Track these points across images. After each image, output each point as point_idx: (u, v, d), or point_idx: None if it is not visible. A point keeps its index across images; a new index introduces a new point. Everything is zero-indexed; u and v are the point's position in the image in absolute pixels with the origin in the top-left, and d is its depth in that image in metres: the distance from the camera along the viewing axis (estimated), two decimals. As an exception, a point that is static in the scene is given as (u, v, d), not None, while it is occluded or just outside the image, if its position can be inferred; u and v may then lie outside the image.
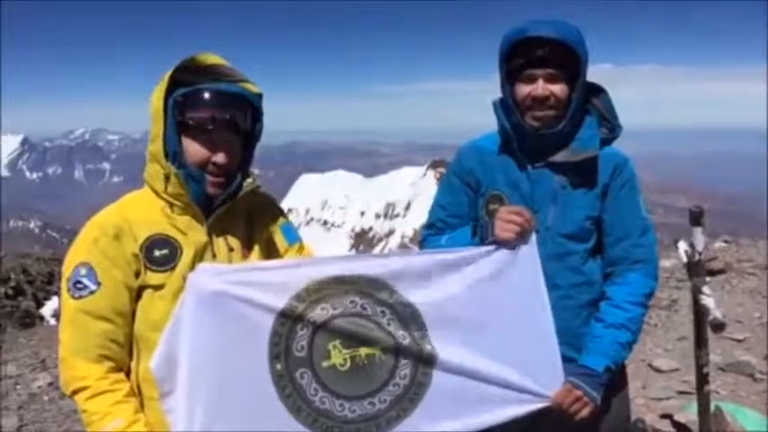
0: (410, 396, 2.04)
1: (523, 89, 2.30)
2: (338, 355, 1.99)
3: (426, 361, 2.05)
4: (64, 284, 1.99)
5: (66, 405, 6.90)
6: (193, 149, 1.98)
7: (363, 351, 2.01)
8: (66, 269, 2.00)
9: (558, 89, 2.26)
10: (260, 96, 2.08)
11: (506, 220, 2.16)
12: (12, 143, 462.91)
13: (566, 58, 2.24)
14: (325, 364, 1.98)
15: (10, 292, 14.67)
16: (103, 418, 1.90)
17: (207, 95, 1.96)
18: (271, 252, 2.24)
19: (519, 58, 2.28)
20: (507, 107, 2.37)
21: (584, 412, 2.22)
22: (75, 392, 1.96)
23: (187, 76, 1.99)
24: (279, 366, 1.94)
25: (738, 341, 6.89)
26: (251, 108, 2.04)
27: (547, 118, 2.29)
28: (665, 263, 10.13)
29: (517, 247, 2.17)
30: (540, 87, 2.26)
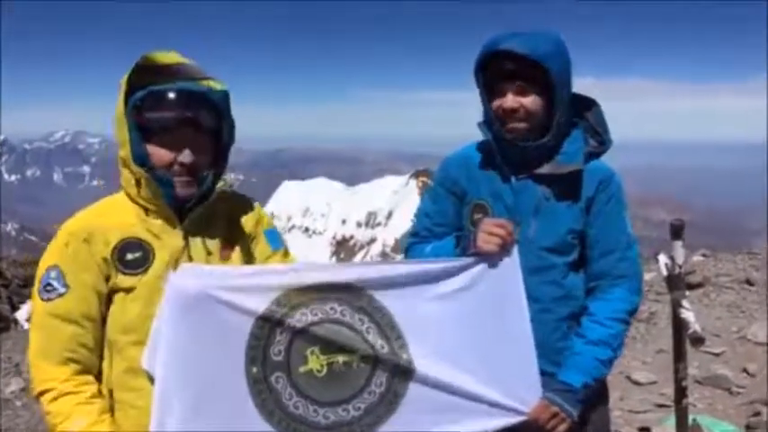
0: (385, 404, 2.03)
1: (496, 102, 2.31)
2: (315, 361, 1.99)
3: (403, 371, 2.04)
4: (35, 286, 1.99)
5: (40, 410, 6.81)
6: (158, 152, 1.95)
7: (341, 358, 2.01)
8: (38, 272, 2.00)
9: (529, 101, 2.26)
10: (225, 93, 2.04)
11: (489, 232, 2.15)
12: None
13: (535, 72, 2.23)
14: (302, 369, 1.98)
15: (-16, 295, 14.44)
16: (66, 419, 1.90)
17: (165, 95, 1.92)
18: (252, 257, 2.21)
19: (490, 71, 2.30)
20: (489, 119, 2.37)
21: (561, 428, 2.22)
22: (40, 394, 1.95)
23: (145, 78, 1.95)
24: (255, 370, 1.94)
25: (716, 355, 6.94)
26: (214, 106, 2.00)
27: (518, 130, 2.29)
28: (645, 276, 10.19)
29: (499, 259, 2.17)
30: (510, 100, 2.26)
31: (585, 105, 2.43)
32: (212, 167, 2.05)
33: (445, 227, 2.51)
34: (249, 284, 1.96)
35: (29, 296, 16.57)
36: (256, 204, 2.31)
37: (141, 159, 1.95)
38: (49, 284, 1.95)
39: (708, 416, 5.04)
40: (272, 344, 1.96)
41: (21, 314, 15.51)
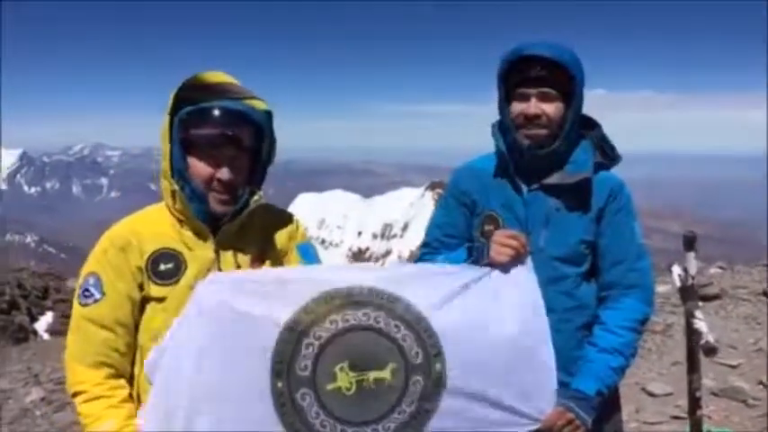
0: (415, 423, 1.98)
1: (517, 107, 2.34)
2: (344, 378, 1.92)
3: (434, 383, 1.99)
4: (76, 291, 2.07)
5: (59, 419, 6.87)
6: (198, 167, 2.01)
7: (372, 375, 1.94)
8: (80, 278, 2.08)
9: (551, 108, 2.30)
10: (268, 114, 2.10)
11: (501, 243, 2.18)
12: (10, 157, 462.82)
13: (560, 78, 2.28)
14: (329, 386, 1.91)
15: (4, 306, 14.63)
16: (96, 421, 1.97)
17: (210, 113, 1.98)
18: None
19: (514, 76, 2.33)
20: (504, 127, 2.40)
21: None
22: (74, 395, 2.03)
23: (193, 95, 2.01)
24: (280, 384, 1.89)
25: (732, 367, 6.90)
26: (256, 125, 2.06)
27: (538, 137, 2.32)
28: (661, 288, 10.14)
29: (512, 270, 2.19)
30: (533, 106, 2.29)
31: (590, 125, 2.47)
32: (249, 184, 2.09)
33: (456, 238, 2.54)
34: (276, 290, 1.94)
35: (48, 307, 16.78)
36: (294, 218, 2.33)
37: (180, 173, 2.01)
38: (87, 290, 2.03)
39: (723, 428, 5.02)
40: (299, 357, 1.89)
41: (40, 325, 15.70)
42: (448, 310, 2.05)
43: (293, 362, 1.89)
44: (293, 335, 1.89)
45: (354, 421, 1.92)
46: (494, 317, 2.12)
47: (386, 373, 1.94)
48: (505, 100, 2.39)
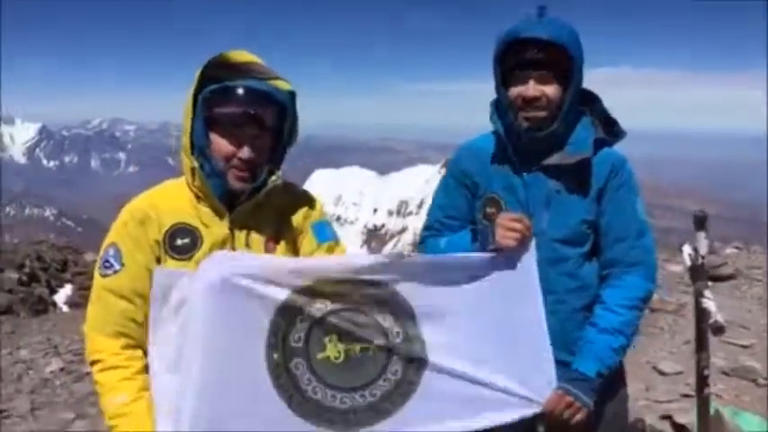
0: (400, 392, 2.08)
1: (515, 89, 2.30)
2: (333, 349, 2.04)
3: (417, 360, 2.10)
4: (97, 263, 2.13)
5: (78, 390, 7.02)
6: (220, 144, 2.04)
7: (358, 346, 2.07)
8: (102, 248, 2.13)
9: (550, 90, 2.27)
10: (292, 94, 2.12)
11: (507, 227, 2.18)
12: (30, 131, 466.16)
13: (558, 59, 2.24)
14: (320, 355, 2.03)
15: (24, 278, 14.82)
16: (111, 391, 2.03)
17: (234, 92, 2.01)
18: (298, 251, 2.26)
19: (511, 58, 2.29)
20: (502, 108, 2.38)
21: (578, 417, 2.24)
22: (92, 363, 2.09)
23: (218, 73, 2.04)
24: (275, 356, 1.99)
25: (744, 347, 6.90)
26: (279, 106, 2.08)
27: (537, 119, 2.29)
28: (674, 268, 10.12)
29: (517, 254, 2.21)
30: (531, 88, 2.26)
31: (589, 99, 2.44)
32: (269, 164, 2.12)
33: (458, 220, 2.53)
34: (274, 273, 2.00)
35: (67, 280, 17.00)
36: (312, 198, 2.35)
37: (200, 150, 2.05)
38: (107, 261, 2.09)
39: (733, 407, 5.03)
40: (292, 331, 2.01)
41: (59, 297, 15.91)
42: (437, 291, 2.13)
43: (288, 335, 2.01)
44: (289, 312, 2.00)
45: (343, 387, 2.06)
46: (488, 297, 2.17)
47: (371, 346, 2.08)
48: (502, 82, 2.35)
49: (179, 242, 2.09)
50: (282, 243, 2.22)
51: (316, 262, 2.17)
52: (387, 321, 2.08)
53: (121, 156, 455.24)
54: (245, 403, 1.96)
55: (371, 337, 2.07)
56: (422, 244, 2.63)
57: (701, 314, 3.81)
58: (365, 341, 2.06)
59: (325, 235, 2.30)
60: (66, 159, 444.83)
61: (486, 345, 2.15)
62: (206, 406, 1.91)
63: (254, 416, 1.96)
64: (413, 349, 2.09)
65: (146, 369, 2.06)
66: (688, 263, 3.92)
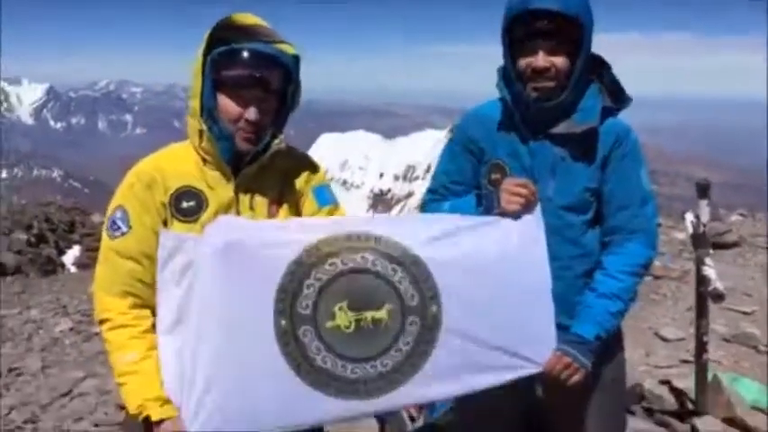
0: (412, 362, 2.06)
1: (524, 60, 2.29)
2: (344, 318, 2.00)
3: (431, 325, 2.06)
4: (104, 224, 2.15)
5: (87, 349, 7.15)
6: (227, 105, 2.05)
7: (369, 315, 2.01)
8: (108, 211, 2.16)
9: (560, 61, 2.26)
10: (296, 58, 2.14)
11: (511, 192, 2.20)
12: (37, 92, 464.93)
13: (568, 29, 2.23)
14: (329, 324, 1.99)
15: (32, 239, 14.96)
16: (119, 349, 2.06)
17: (241, 55, 2.03)
18: (299, 214, 2.28)
19: (520, 29, 2.28)
20: (509, 77, 2.37)
21: (575, 379, 2.27)
22: (101, 323, 2.12)
23: (226, 35, 2.06)
24: (283, 322, 1.96)
25: (746, 314, 6.95)
26: (285, 69, 2.10)
27: (546, 89, 2.28)
28: (679, 235, 10.14)
29: (522, 218, 2.22)
30: (541, 59, 2.25)
31: (598, 66, 2.43)
32: (272, 127, 2.14)
33: (462, 185, 2.54)
34: (279, 235, 2.01)
35: (75, 241, 17.15)
36: (314, 162, 2.37)
37: (209, 112, 2.07)
38: (114, 223, 2.11)
39: (732, 373, 5.10)
40: (300, 297, 1.98)
41: (67, 258, 16.07)
42: (448, 252, 2.11)
43: (295, 301, 1.97)
44: (295, 276, 1.97)
45: (354, 357, 2.01)
46: (495, 261, 2.17)
47: (382, 314, 2.02)
48: (510, 50, 2.34)
49: (185, 205, 2.11)
50: (285, 206, 2.24)
51: (321, 219, 2.19)
52: (403, 283, 2.04)
53: (128, 118, 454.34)
54: (255, 369, 1.96)
55: (385, 299, 2.03)
56: (425, 206, 2.63)
57: (702, 281, 3.87)
58: (377, 305, 2.02)
59: (326, 199, 2.32)
60: (74, 121, 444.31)
61: (493, 307, 2.15)
62: (218, 371, 1.93)
63: (264, 382, 1.96)
64: (427, 311, 2.06)
65: (154, 329, 2.09)
66: (690, 230, 3.97)
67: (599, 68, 2.43)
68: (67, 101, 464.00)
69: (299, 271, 1.98)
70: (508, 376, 2.19)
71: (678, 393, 4.37)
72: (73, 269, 15.24)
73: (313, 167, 2.34)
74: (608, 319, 2.35)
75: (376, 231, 2.06)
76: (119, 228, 2.11)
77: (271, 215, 2.20)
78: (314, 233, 2.02)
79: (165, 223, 2.11)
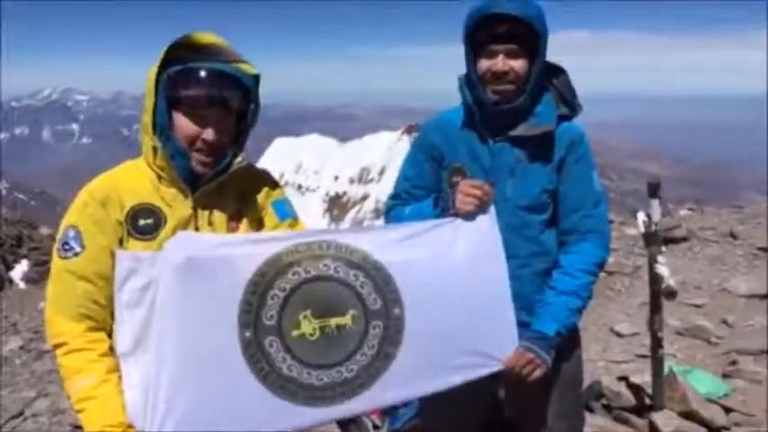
0: (377, 365, 2.09)
1: (484, 64, 2.38)
2: (308, 325, 2.02)
3: (395, 328, 2.11)
4: (55, 244, 2.08)
5: (39, 368, 6.96)
6: (184, 125, 2.03)
7: (334, 321, 2.05)
8: (59, 230, 2.09)
9: (518, 65, 2.35)
10: (256, 78, 2.12)
11: (466, 193, 2.26)
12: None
13: (526, 35, 2.32)
14: (294, 333, 2.01)
15: (-22, 255, 14.50)
16: (77, 373, 1.99)
17: (199, 74, 2.00)
18: (260, 229, 2.27)
19: (481, 33, 2.36)
20: (471, 82, 2.45)
21: (536, 374, 2.33)
22: (55, 347, 2.05)
23: (183, 54, 2.03)
24: (248, 334, 1.97)
25: (697, 306, 7.14)
26: (244, 89, 2.08)
27: (506, 92, 2.38)
28: (631, 231, 10.36)
29: (477, 218, 2.28)
30: (500, 62, 2.34)
31: (554, 72, 2.52)
32: (232, 146, 2.12)
33: (424, 189, 2.61)
34: (240, 249, 2.01)
35: (23, 255, 16.68)
36: (272, 177, 2.37)
37: (162, 129, 2.03)
38: (66, 243, 2.05)
39: (686, 365, 5.22)
40: (265, 307, 1.99)
41: (15, 273, 15.63)
42: (406, 255, 2.15)
43: (259, 312, 1.98)
44: (258, 288, 1.98)
45: (320, 364, 2.04)
46: (453, 261, 2.22)
47: (347, 319, 2.06)
48: (472, 55, 2.43)
49: (141, 222, 2.07)
50: (245, 221, 2.22)
51: (281, 232, 2.19)
52: (365, 288, 2.08)
53: (75, 127, 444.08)
54: (220, 384, 1.95)
55: (348, 305, 2.06)
56: (388, 211, 2.71)
57: (655, 279, 3.96)
58: (341, 311, 2.05)
59: (286, 213, 2.32)
60: (17, 131, 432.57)
61: (452, 307, 2.19)
62: (180, 390, 1.90)
63: (230, 396, 1.96)
64: (390, 315, 2.10)
65: (111, 351, 2.05)
66: (642, 229, 4.05)
67: (553, 77, 2.52)
68: (10, 111, 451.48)
69: (261, 282, 1.98)
70: (472, 374, 2.23)
71: (636, 389, 4.46)
72: (21, 285, 14.83)
73: (272, 183, 2.34)
74: (567, 316, 2.43)
75: (336, 239, 2.09)
76: (71, 248, 2.05)
77: (230, 230, 2.18)
78: (275, 245, 2.03)
79: (120, 242, 2.07)
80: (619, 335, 6.58)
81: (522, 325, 2.35)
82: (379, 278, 2.09)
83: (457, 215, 2.28)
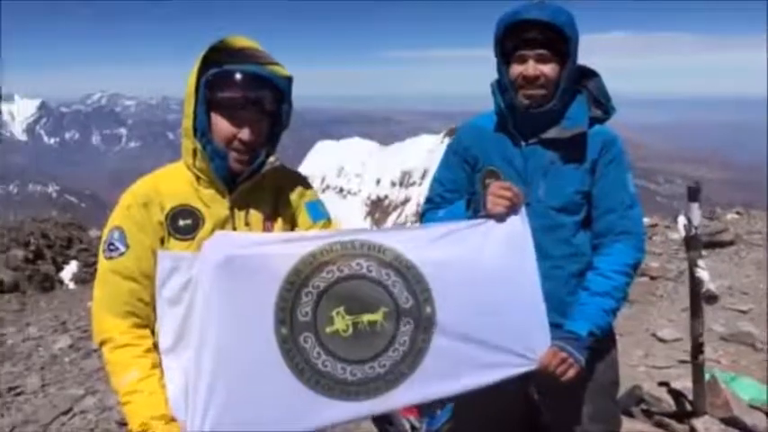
0: (408, 361, 2.14)
1: (516, 69, 2.43)
2: (341, 322, 2.08)
3: (426, 326, 2.14)
4: (101, 246, 2.18)
5: (87, 366, 7.13)
6: (221, 126, 2.11)
7: (366, 318, 2.10)
8: (104, 232, 2.19)
9: (548, 69, 2.39)
10: (289, 80, 2.20)
11: (497, 195, 2.29)
12: (29, 107, 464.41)
13: (556, 40, 2.37)
14: (328, 329, 2.07)
15: (30, 256, 14.92)
16: (123, 369, 2.08)
17: (236, 77, 2.08)
18: (293, 229, 2.34)
19: (512, 39, 2.42)
20: (503, 87, 2.50)
21: (570, 373, 2.32)
22: (101, 344, 2.15)
23: (220, 57, 2.11)
24: (284, 331, 2.03)
25: (743, 312, 6.98)
26: (278, 90, 2.16)
27: (537, 96, 2.42)
28: (675, 235, 10.18)
29: (508, 219, 2.31)
30: (531, 67, 2.39)
31: (587, 76, 2.56)
32: (266, 146, 2.20)
33: (458, 193, 2.65)
34: (275, 249, 2.08)
35: (72, 257, 17.11)
36: (305, 178, 2.45)
37: (202, 132, 2.12)
38: (111, 244, 2.15)
39: (729, 372, 5.13)
40: (299, 305, 2.06)
41: (65, 274, 16.04)
42: (438, 255, 2.20)
43: (294, 309, 2.05)
44: (294, 285, 2.05)
45: (353, 360, 2.10)
46: (484, 261, 2.25)
47: (378, 316, 2.11)
48: (503, 61, 2.47)
49: (181, 223, 2.15)
50: (279, 221, 2.30)
51: (316, 231, 2.26)
52: (396, 287, 2.13)
53: (122, 131, 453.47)
54: (258, 380, 2.01)
55: (380, 303, 2.11)
56: (422, 215, 2.75)
57: (695, 283, 3.90)
58: (373, 309, 2.10)
59: (320, 213, 2.39)
60: (67, 136, 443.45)
61: (486, 307, 2.22)
62: (220, 385, 1.96)
63: (267, 391, 2.02)
64: (422, 313, 2.14)
65: (155, 348, 2.12)
66: (683, 233, 4.01)
67: (586, 80, 2.55)
68: (60, 116, 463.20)
69: (297, 280, 2.05)
70: (504, 373, 2.25)
71: (676, 395, 4.40)
72: (71, 285, 15.21)
73: (305, 184, 2.41)
74: (601, 317, 2.43)
75: (369, 239, 2.14)
76: (117, 248, 2.14)
77: (266, 230, 2.25)
78: (310, 244, 2.09)
79: (161, 242, 2.15)
80: (661, 340, 6.47)
81: (555, 326, 2.36)
82: (411, 277, 2.14)
83: (488, 217, 2.31)
